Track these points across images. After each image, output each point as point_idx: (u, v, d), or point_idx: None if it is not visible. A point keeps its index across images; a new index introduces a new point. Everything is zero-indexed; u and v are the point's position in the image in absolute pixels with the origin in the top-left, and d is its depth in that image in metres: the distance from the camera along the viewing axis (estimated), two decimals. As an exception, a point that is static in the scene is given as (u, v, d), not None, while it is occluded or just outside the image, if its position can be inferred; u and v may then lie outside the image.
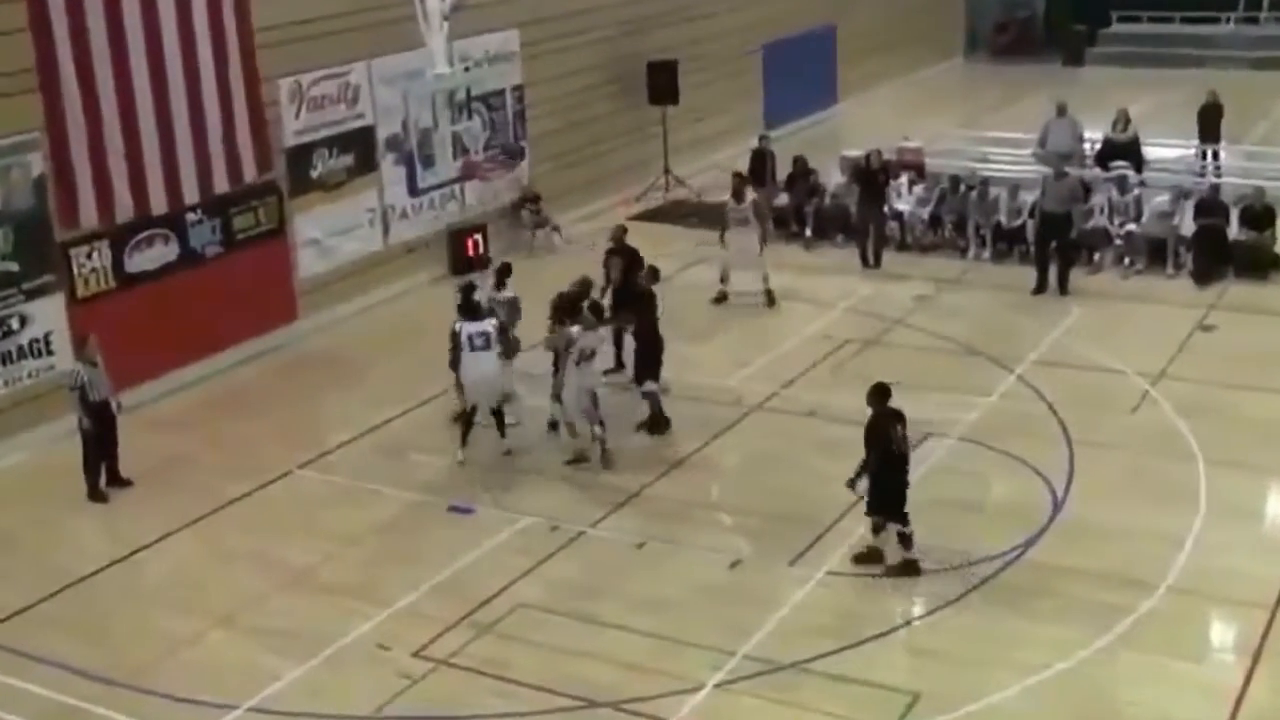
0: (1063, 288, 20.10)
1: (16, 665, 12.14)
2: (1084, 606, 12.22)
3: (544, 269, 20.32)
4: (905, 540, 13.02)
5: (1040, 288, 20.14)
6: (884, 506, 13.02)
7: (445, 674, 11.79)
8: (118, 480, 15.43)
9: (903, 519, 12.97)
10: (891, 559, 13.07)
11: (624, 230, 18.66)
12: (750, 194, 20.33)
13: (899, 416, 13.04)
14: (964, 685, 11.20)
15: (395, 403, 16.87)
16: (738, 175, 20.99)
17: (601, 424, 15.39)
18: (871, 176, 21.80)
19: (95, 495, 15.28)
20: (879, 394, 13.10)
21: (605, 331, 16.30)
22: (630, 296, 16.82)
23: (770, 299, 20.02)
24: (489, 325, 15.52)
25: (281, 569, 13.60)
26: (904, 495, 13.00)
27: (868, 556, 13.18)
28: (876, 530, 13.17)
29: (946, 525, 13.64)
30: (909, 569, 13.00)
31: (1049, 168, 21.45)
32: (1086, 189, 21.75)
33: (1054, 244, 20.25)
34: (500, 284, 16.81)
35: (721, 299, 20.20)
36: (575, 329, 15.33)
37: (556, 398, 15.75)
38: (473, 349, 15.36)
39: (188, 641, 12.45)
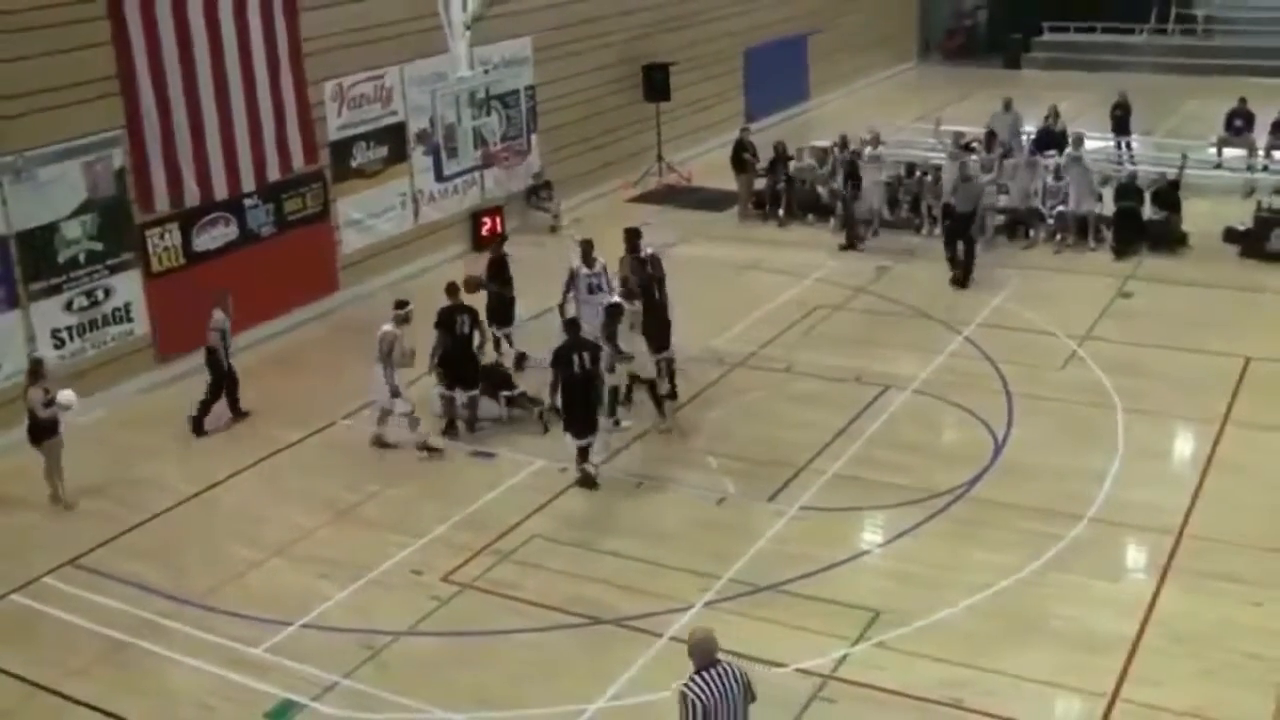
0: (965, 280, 18.93)
1: (103, 586, 12.20)
2: (1020, 535, 12.27)
3: (548, 252, 20.17)
4: (582, 453, 13.58)
5: (956, 280, 19.04)
6: (570, 424, 13.55)
7: (470, 595, 11.84)
8: (200, 424, 15.32)
9: (578, 433, 13.53)
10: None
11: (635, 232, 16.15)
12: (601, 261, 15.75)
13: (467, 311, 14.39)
14: (917, 603, 11.26)
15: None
16: (586, 241, 16.04)
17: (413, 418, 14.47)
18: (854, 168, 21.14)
19: (237, 415, 15.54)
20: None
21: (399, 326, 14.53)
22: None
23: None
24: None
25: (329, 506, 13.61)
26: (585, 410, 13.49)
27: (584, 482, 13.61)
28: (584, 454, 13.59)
29: (904, 465, 13.70)
30: (587, 482, 13.57)
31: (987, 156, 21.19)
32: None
33: (959, 241, 19.27)
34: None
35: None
36: (388, 326, 14.49)
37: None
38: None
39: (250, 567, 12.49)
